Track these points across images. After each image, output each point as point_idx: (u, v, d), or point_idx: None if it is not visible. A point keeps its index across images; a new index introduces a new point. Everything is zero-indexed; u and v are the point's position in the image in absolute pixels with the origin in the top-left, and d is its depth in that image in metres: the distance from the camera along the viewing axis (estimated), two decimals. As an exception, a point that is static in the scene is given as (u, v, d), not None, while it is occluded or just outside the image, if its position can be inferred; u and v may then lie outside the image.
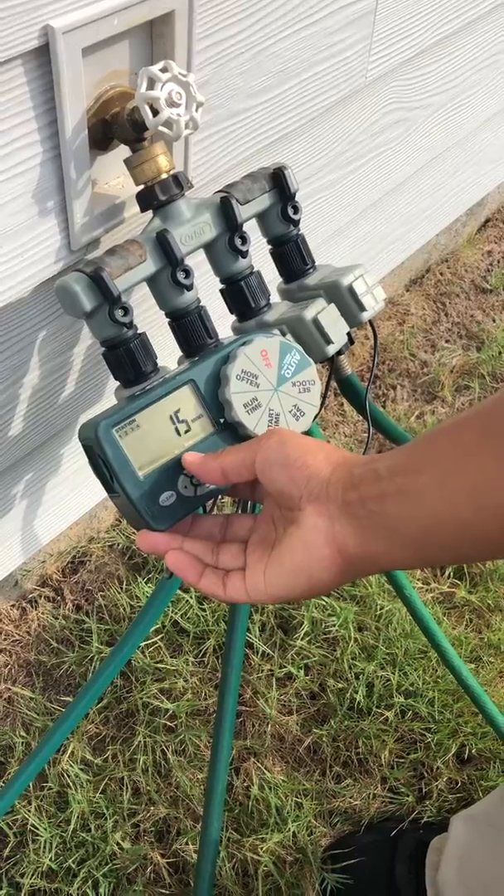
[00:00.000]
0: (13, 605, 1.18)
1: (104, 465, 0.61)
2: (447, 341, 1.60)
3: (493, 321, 1.64)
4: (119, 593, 1.18)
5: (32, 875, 0.97)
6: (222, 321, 0.78)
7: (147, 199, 0.70)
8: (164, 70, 0.65)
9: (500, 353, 1.57)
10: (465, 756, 1.11)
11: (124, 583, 1.20)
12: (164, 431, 0.64)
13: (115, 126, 0.69)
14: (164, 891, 0.99)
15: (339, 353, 0.79)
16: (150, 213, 0.71)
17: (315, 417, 0.74)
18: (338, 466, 0.52)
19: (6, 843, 1.00)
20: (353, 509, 0.50)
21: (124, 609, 1.17)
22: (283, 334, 0.74)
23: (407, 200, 1.36)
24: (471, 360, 1.56)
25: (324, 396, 0.83)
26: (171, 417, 0.64)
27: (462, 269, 1.73)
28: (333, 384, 0.89)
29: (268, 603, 0.54)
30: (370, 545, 0.50)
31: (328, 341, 0.75)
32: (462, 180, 1.50)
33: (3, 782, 1.03)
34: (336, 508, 0.50)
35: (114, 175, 0.74)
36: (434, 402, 1.50)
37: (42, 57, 0.60)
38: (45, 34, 0.59)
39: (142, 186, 0.70)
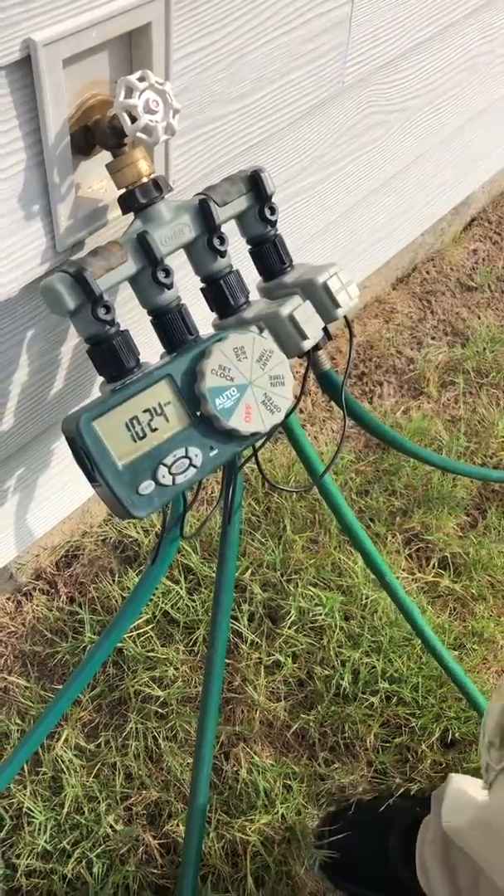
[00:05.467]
0: (8, 598, 1.21)
1: (85, 456, 0.65)
2: (433, 338, 1.63)
3: (478, 318, 1.68)
4: (111, 585, 1.22)
5: (28, 856, 1.01)
6: (207, 321, 0.81)
7: (128, 202, 0.73)
8: (141, 79, 0.69)
9: (484, 349, 1.60)
10: (449, 740, 1.14)
11: (116, 575, 1.23)
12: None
13: (97, 132, 0.72)
14: (155, 871, 1.02)
15: (317, 348, 0.82)
16: (131, 216, 0.74)
17: (291, 411, 0.77)
18: None
19: (2, 825, 1.03)
20: None
21: (116, 601, 1.21)
22: (261, 330, 0.78)
23: (390, 200, 1.39)
24: (456, 357, 1.59)
25: (301, 391, 0.86)
26: (149, 410, 0.67)
27: (448, 267, 1.76)
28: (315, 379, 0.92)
29: None
30: None
31: (304, 336, 0.78)
32: (445, 180, 1.53)
33: (0, 768, 1.06)
34: None
35: (97, 179, 0.77)
36: (420, 398, 1.53)
37: (24, 68, 0.63)
38: (27, 47, 0.62)
39: (123, 190, 0.73)
